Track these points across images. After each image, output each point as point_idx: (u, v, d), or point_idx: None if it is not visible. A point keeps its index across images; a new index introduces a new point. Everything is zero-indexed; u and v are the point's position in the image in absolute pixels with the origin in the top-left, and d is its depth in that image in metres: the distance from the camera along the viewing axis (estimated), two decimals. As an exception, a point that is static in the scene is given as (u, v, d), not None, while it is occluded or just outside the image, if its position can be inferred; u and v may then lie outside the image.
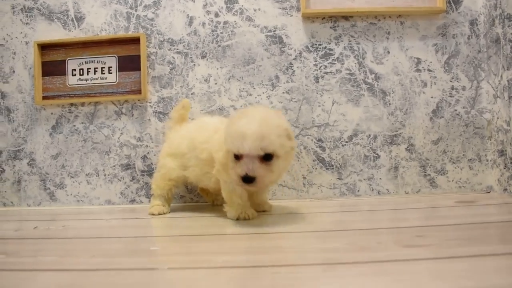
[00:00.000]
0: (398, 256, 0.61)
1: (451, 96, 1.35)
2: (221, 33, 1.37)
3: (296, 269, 0.58)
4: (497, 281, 0.49)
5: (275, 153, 0.88)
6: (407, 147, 1.35)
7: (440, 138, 1.35)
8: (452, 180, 1.35)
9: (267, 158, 0.88)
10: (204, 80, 1.37)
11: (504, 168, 1.26)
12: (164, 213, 1.16)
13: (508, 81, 1.23)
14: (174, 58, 1.37)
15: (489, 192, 1.33)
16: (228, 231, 0.92)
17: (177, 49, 1.37)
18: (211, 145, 1.04)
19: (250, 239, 0.82)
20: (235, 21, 1.36)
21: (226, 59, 1.36)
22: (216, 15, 1.37)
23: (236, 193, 1.01)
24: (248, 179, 0.87)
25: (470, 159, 1.35)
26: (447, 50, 1.36)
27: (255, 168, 0.86)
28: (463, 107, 1.35)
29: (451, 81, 1.35)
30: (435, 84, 1.35)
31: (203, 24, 1.37)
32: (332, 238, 0.78)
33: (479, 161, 1.35)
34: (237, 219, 1.00)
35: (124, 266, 0.63)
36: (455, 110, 1.35)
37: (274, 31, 1.36)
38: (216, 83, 1.37)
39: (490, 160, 1.34)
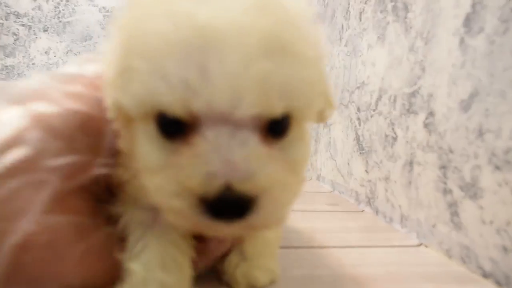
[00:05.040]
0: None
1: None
2: (63, 10, 1.48)
3: None
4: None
5: (298, 109, 0.24)
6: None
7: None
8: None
9: (275, 127, 0.24)
10: (45, 52, 1.48)
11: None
12: None
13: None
14: (18, 30, 1.48)
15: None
16: None
17: (22, 21, 1.48)
18: None
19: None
20: (76, 0, 1.48)
21: (65, 34, 1.47)
22: (59, -8, 1.48)
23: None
24: (232, 205, 0.22)
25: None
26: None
27: (253, 158, 0.22)
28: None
29: None
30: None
31: (47, 0, 1.48)
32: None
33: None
34: None
35: None
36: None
37: (112, 11, 1.47)
38: (55, 56, 1.48)
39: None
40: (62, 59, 1.47)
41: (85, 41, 1.47)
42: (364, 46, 0.83)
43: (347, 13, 0.95)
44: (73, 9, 1.47)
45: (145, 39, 0.22)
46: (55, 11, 1.48)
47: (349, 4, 0.94)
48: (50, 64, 1.48)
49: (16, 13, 1.48)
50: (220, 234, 0.29)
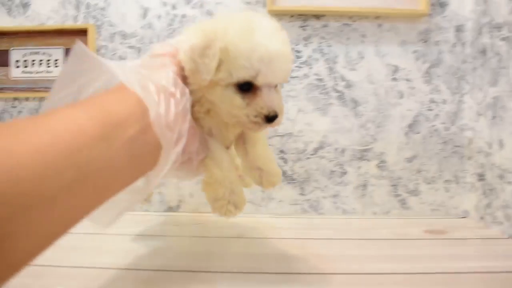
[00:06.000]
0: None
1: (430, 110, 1.22)
2: (179, 27, 1.23)
3: None
4: None
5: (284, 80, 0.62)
6: (378, 163, 1.22)
7: (415, 156, 1.22)
8: (425, 202, 1.22)
9: (277, 86, 0.61)
10: (158, 79, 1.24)
11: (483, 195, 1.14)
12: None
13: (493, 98, 1.09)
14: (126, 52, 1.24)
15: (464, 217, 1.21)
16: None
17: (130, 43, 1.24)
18: None
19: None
20: (194, 15, 1.23)
21: (182, 57, 1.23)
22: (174, 7, 1.23)
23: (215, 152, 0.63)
24: (273, 118, 0.57)
25: (447, 180, 1.22)
26: (429, 58, 1.22)
27: (277, 100, 0.57)
28: (443, 123, 1.22)
29: (431, 93, 1.22)
30: (413, 95, 1.22)
31: (159, 16, 1.24)
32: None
33: (456, 183, 1.22)
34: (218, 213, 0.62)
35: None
36: (433, 125, 1.22)
37: (236, 28, 1.23)
38: (170, 83, 1.24)
39: (468, 183, 1.21)
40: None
41: (206, 65, 1.22)
42: None
43: None
44: (189, 26, 1.23)
45: (245, 52, 0.53)
46: (169, 29, 1.23)
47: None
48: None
49: (122, 33, 1.24)
50: (265, 129, 0.60)
